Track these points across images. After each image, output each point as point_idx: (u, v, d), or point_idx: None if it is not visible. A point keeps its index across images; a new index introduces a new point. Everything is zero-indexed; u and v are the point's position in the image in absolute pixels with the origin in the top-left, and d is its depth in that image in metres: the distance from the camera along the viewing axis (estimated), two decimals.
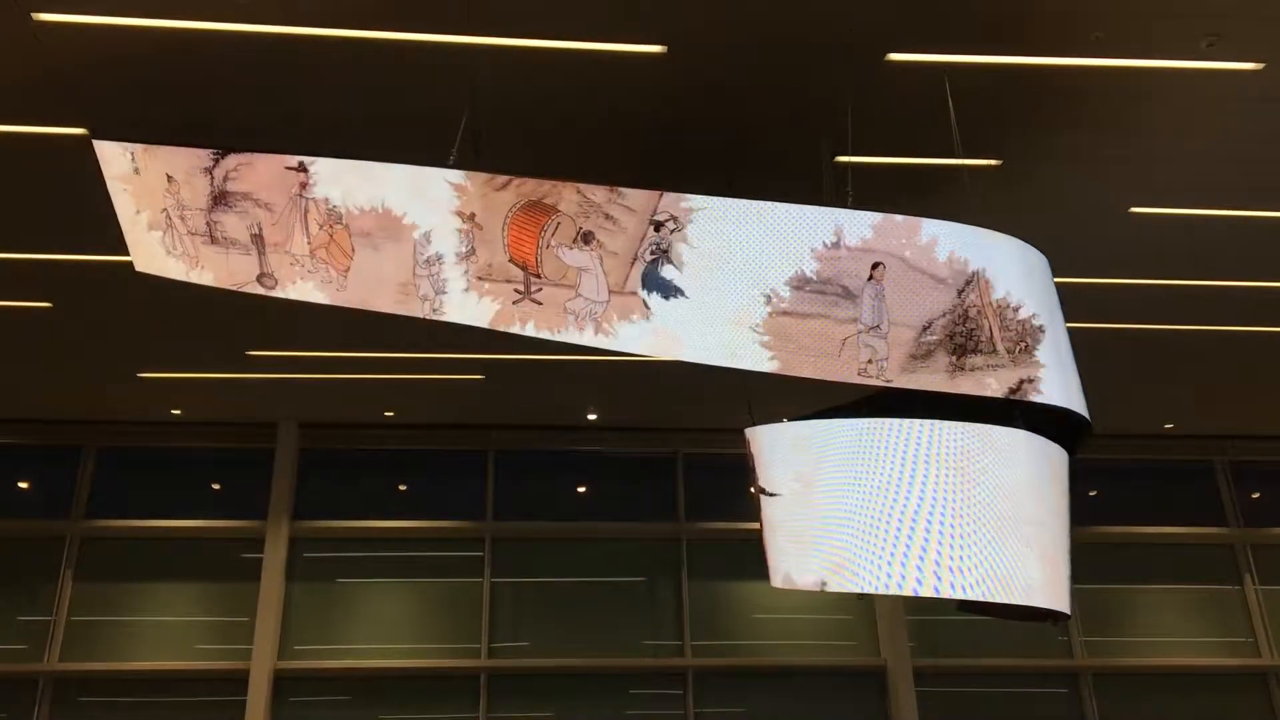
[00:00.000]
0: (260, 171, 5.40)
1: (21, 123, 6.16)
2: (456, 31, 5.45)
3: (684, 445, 12.23)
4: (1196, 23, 5.40)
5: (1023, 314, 4.95)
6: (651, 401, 11.15)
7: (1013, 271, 4.97)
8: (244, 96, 5.95)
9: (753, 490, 5.75)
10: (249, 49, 5.52)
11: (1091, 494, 12.12)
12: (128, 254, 5.94)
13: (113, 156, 5.64)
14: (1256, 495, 12.66)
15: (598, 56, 5.65)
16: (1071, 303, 5.77)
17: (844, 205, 5.37)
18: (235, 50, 5.52)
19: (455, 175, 5.18)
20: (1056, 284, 5.43)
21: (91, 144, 5.65)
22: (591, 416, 11.69)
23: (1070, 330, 5.43)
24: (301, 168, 5.33)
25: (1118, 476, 12.42)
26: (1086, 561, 9.87)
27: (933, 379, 4.83)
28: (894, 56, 5.65)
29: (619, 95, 6.00)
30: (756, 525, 5.80)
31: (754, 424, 5.71)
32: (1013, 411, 5.21)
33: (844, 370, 4.84)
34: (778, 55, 5.68)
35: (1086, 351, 5.75)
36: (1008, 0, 5.27)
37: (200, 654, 10.90)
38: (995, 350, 4.85)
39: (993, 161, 6.53)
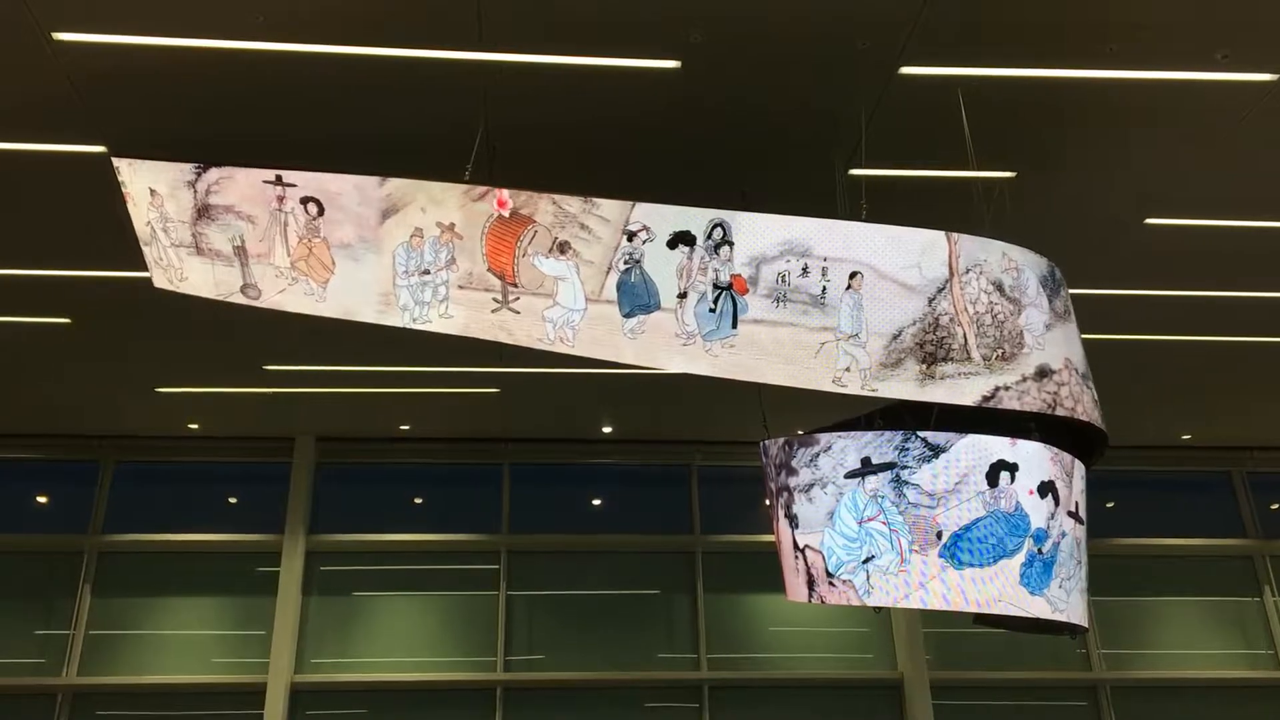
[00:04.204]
0: (241, 185, 5.49)
1: (41, 141, 6.20)
2: (471, 48, 5.49)
3: (699, 458, 12.24)
4: (1210, 35, 5.39)
5: (1003, 320, 4.93)
6: (666, 415, 11.16)
7: (994, 277, 4.96)
8: (260, 114, 5.98)
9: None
10: (264, 67, 5.56)
11: (1109, 505, 12.06)
12: (146, 270, 6.00)
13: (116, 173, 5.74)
14: (1276, 506, 12.58)
15: (612, 72, 5.67)
16: (1088, 314, 5.78)
17: (859, 218, 5.39)
18: (250, 68, 5.56)
19: (434, 186, 5.25)
20: (1072, 295, 5.41)
21: (111, 162, 5.73)
22: (606, 430, 11.71)
23: (1086, 341, 5.42)
24: (279, 181, 5.40)
25: (1135, 488, 12.39)
26: (1104, 573, 9.84)
27: (903, 387, 4.85)
28: (907, 70, 5.66)
29: (633, 110, 6.02)
30: (772, 538, 5.79)
31: (769, 437, 5.71)
32: (1029, 423, 5.20)
33: (818, 378, 4.87)
34: (791, 69, 5.69)
35: (1103, 363, 5.75)
36: (1020, 13, 5.27)
37: (217, 667, 10.93)
38: (969, 358, 4.85)
39: (1007, 174, 6.52)
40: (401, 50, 5.50)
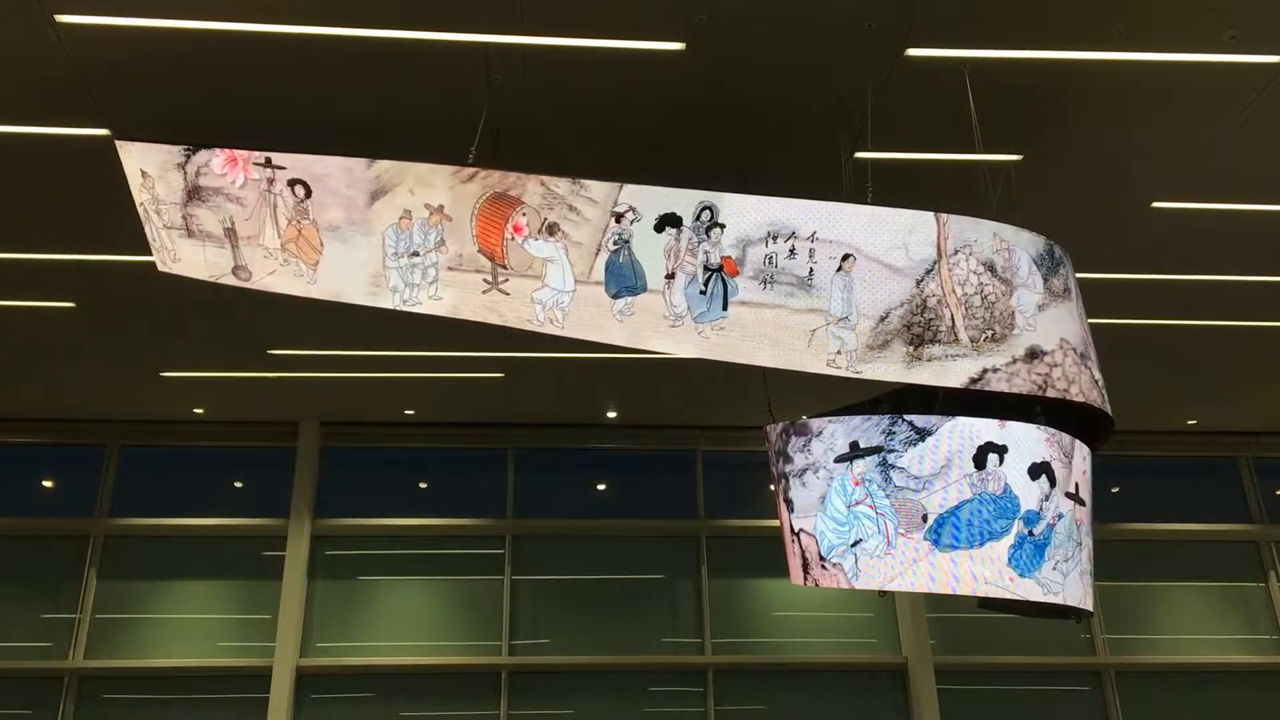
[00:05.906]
0: (230, 167, 5.48)
1: (44, 124, 6.19)
2: (476, 30, 5.46)
3: (703, 443, 12.22)
4: (1218, 16, 5.36)
5: (994, 301, 4.92)
6: (671, 399, 11.14)
7: (985, 258, 4.94)
8: (262, 97, 5.97)
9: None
10: (269, 49, 5.54)
11: (1114, 490, 12.06)
12: (148, 254, 6.00)
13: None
14: None
15: (617, 54, 5.65)
16: (1093, 298, 5.75)
17: (864, 201, 5.36)
18: (255, 50, 5.55)
19: (422, 168, 5.26)
20: (1079, 279, 5.38)
21: (114, 144, 5.72)
22: (611, 414, 11.70)
23: (1092, 326, 5.39)
24: (268, 163, 5.40)
25: (1141, 473, 12.37)
26: (1109, 558, 9.84)
27: (890, 369, 4.85)
28: (913, 52, 5.62)
29: (638, 92, 5.99)
30: (776, 522, 5.79)
31: (773, 421, 5.71)
32: (1034, 407, 5.18)
33: (808, 360, 4.87)
34: (797, 51, 5.67)
35: (1109, 348, 5.72)
36: None
37: (223, 651, 10.96)
38: (956, 339, 4.84)
39: (1014, 156, 6.49)
40: (405, 32, 5.48)
